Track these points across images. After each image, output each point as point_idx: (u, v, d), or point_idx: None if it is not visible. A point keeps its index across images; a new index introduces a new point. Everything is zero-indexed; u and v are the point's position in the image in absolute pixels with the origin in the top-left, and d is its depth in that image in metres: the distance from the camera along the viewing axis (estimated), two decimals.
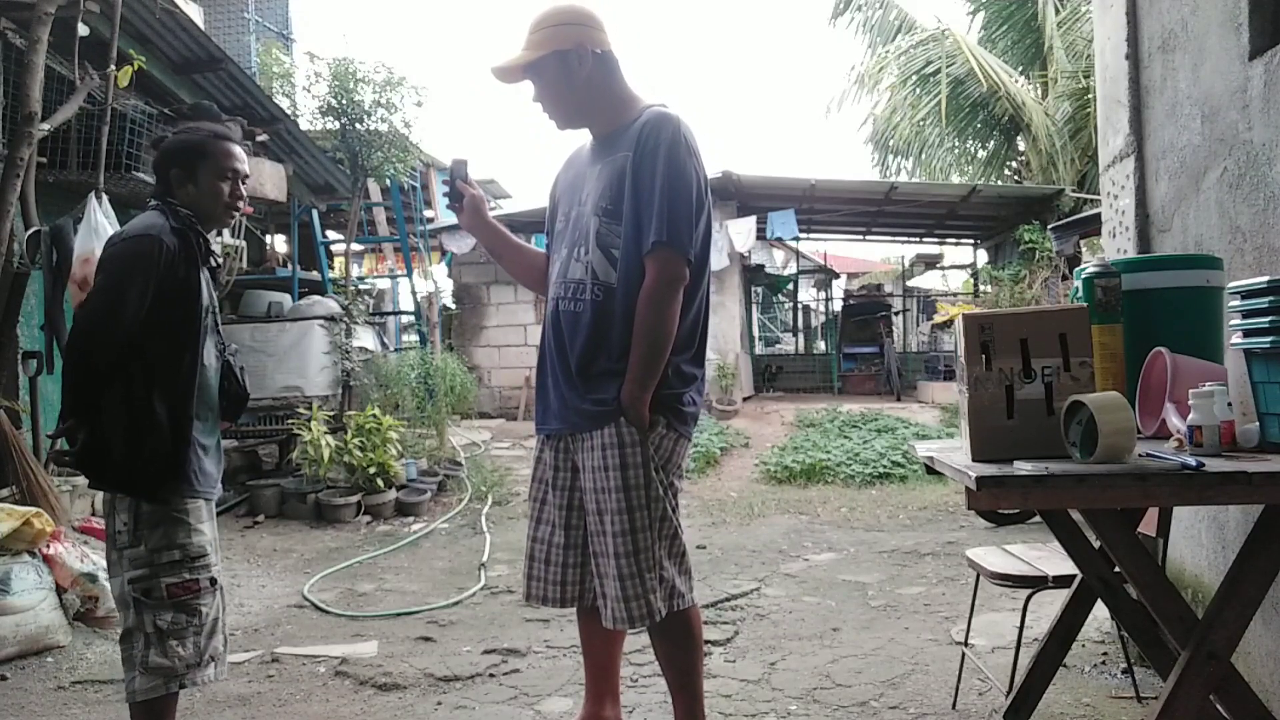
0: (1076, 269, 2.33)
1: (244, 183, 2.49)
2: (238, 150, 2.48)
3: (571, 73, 2.33)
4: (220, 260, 2.50)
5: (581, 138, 2.54)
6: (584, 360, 2.31)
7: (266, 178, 7.02)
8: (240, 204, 2.47)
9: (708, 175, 2.36)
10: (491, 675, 3.40)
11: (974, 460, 1.88)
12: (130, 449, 2.27)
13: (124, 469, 2.28)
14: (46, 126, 4.57)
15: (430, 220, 12.06)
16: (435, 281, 10.51)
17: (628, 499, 2.24)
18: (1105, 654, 3.29)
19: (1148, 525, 2.55)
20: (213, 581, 2.33)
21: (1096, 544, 2.24)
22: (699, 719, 2.38)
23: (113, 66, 5.04)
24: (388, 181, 9.52)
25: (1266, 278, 1.80)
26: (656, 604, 2.24)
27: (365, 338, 8.33)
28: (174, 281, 2.31)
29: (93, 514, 4.94)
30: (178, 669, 2.25)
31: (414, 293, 10.38)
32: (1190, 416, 1.83)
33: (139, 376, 2.28)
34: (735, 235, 11.16)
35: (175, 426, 2.30)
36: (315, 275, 9.33)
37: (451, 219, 12.43)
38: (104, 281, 2.27)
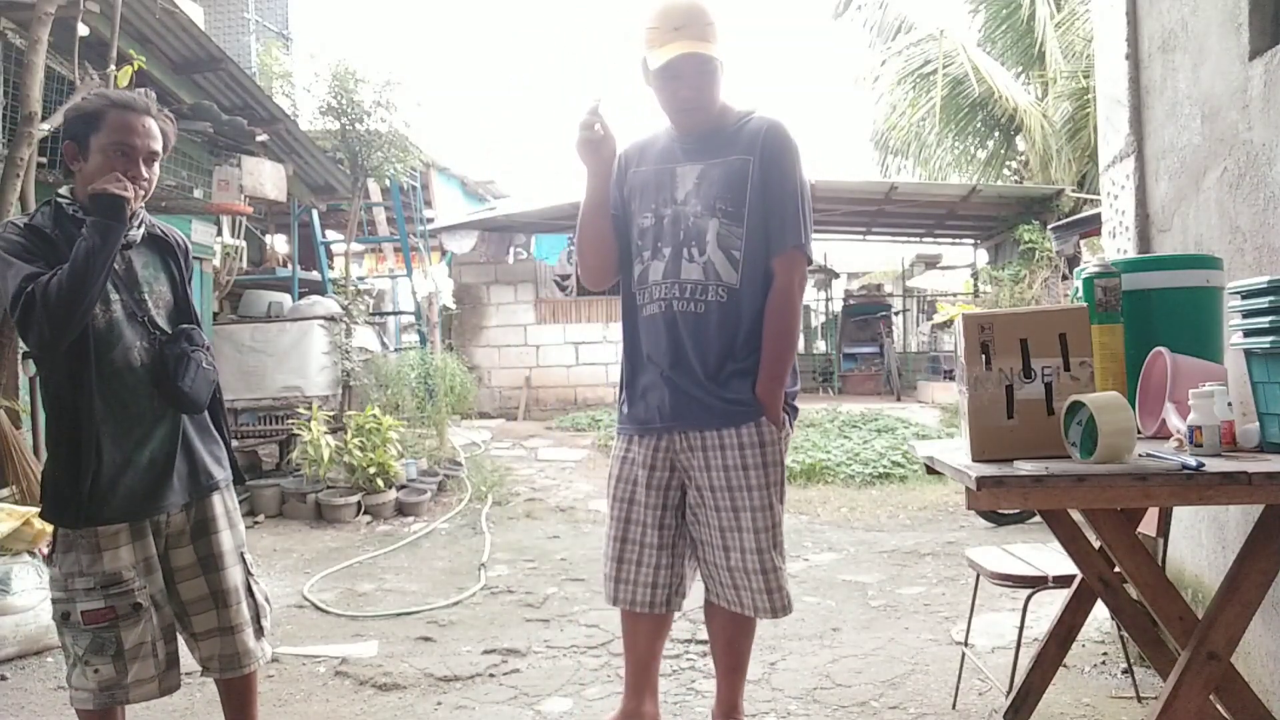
0: (1076, 269, 2.34)
1: (150, 163, 2.12)
2: (140, 123, 2.09)
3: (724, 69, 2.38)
4: (134, 237, 2.16)
5: (628, 134, 2.47)
6: (715, 360, 2.33)
7: (266, 178, 7.01)
8: (140, 185, 2.09)
9: None
10: (491, 675, 3.40)
11: (974, 460, 1.89)
12: (45, 471, 2.15)
13: (42, 491, 2.16)
14: (46, 126, 4.56)
15: (430, 220, 12.05)
16: (435, 281, 10.49)
17: (769, 495, 2.32)
18: (1105, 654, 3.29)
19: (1148, 525, 2.55)
20: (135, 607, 2.12)
21: (1096, 544, 2.24)
22: (741, 697, 2.54)
23: (113, 66, 5.03)
24: (388, 181, 9.51)
25: (1266, 278, 1.80)
26: (790, 593, 2.38)
27: (365, 338, 8.32)
28: None
29: None
30: (96, 692, 2.10)
31: (414, 293, 10.37)
32: (1190, 416, 1.83)
33: (43, 394, 2.12)
34: None
35: (70, 445, 2.09)
36: (315, 275, 9.33)
37: (452, 219, 12.45)
38: None
